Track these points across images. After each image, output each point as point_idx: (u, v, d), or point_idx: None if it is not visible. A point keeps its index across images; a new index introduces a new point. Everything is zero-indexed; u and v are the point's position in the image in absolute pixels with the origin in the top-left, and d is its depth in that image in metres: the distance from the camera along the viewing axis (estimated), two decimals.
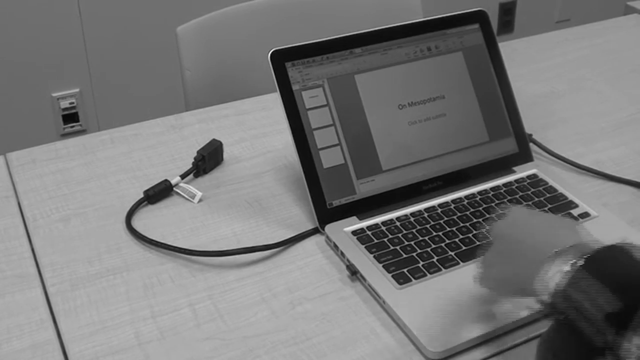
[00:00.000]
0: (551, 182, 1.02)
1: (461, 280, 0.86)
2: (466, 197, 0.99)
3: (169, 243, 0.93)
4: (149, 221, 0.97)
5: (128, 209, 0.98)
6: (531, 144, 1.09)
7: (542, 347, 0.66)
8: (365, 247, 0.90)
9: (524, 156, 1.06)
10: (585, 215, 0.96)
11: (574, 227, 0.71)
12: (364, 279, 0.86)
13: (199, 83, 1.38)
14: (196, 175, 1.04)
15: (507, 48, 1.41)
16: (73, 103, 2.27)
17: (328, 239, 0.93)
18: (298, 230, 0.95)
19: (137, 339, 0.80)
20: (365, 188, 0.96)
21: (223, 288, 0.87)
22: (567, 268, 0.64)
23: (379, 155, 0.97)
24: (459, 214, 0.96)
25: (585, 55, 1.41)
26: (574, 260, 0.64)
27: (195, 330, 0.81)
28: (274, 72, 0.94)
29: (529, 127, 1.10)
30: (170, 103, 2.18)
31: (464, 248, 0.90)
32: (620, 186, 1.04)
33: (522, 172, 1.04)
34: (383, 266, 0.87)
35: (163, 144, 1.12)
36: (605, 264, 0.63)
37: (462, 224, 0.94)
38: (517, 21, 2.96)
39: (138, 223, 0.96)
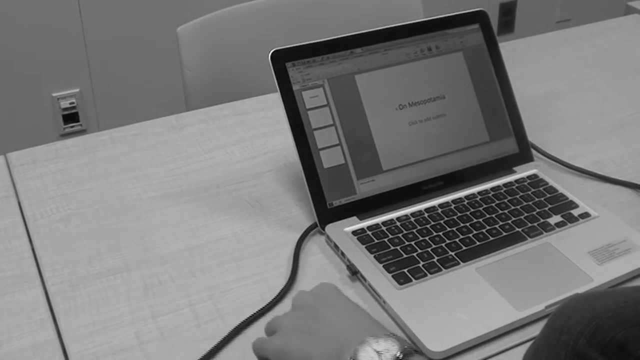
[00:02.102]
0: (551, 182, 1.02)
1: (461, 280, 0.86)
2: (466, 197, 0.99)
3: (169, 243, 0.93)
4: (149, 222, 0.97)
5: (128, 209, 0.98)
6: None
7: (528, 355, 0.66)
8: (366, 247, 0.90)
9: (525, 156, 1.06)
10: (585, 215, 0.96)
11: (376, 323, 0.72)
12: (364, 279, 0.86)
13: (200, 83, 1.38)
14: None
15: (508, 48, 1.41)
16: (73, 103, 2.27)
17: (328, 239, 0.93)
18: (298, 230, 0.95)
19: (138, 339, 0.80)
20: (366, 188, 0.96)
21: (223, 288, 0.87)
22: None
23: (379, 155, 0.97)
24: (459, 214, 0.96)
25: (585, 55, 1.41)
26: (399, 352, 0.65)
27: (196, 330, 0.81)
28: (275, 72, 0.94)
29: (529, 127, 1.10)
30: (171, 103, 2.18)
31: (464, 248, 0.90)
32: (620, 186, 1.04)
33: (522, 172, 1.04)
34: (383, 266, 0.87)
35: (163, 144, 1.13)
36: None
37: (462, 224, 0.94)
38: (517, 21, 2.96)
39: (139, 223, 0.96)
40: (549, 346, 0.63)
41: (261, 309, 0.83)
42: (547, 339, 0.64)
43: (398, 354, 0.65)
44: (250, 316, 0.82)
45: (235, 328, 0.80)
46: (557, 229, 0.94)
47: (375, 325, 0.71)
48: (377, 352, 0.65)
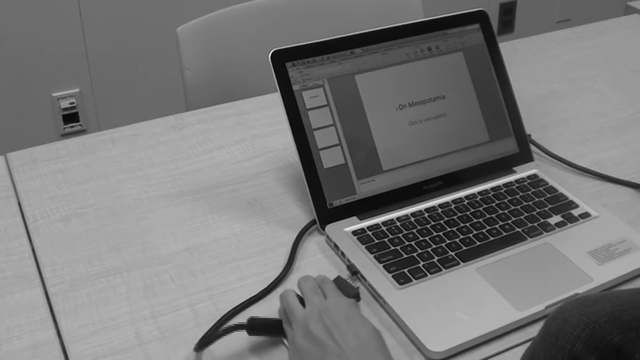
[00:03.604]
0: (551, 182, 1.02)
1: (461, 280, 0.86)
2: (466, 197, 0.99)
3: (169, 243, 0.93)
4: (149, 222, 0.97)
5: (128, 209, 0.98)
6: (530, 144, 1.09)
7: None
8: (366, 247, 0.90)
9: (525, 156, 1.06)
10: (585, 215, 0.96)
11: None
12: (365, 279, 0.86)
13: (199, 83, 1.38)
14: None
15: (508, 48, 1.41)
16: (73, 103, 2.27)
17: (328, 239, 0.93)
18: (298, 230, 0.95)
19: (138, 339, 0.80)
20: (366, 188, 0.96)
21: (223, 288, 0.87)
22: None
23: (379, 155, 0.97)
24: (459, 214, 0.96)
25: (585, 55, 1.41)
26: None
27: (196, 330, 0.81)
28: (275, 72, 0.94)
29: (529, 127, 1.10)
30: (171, 103, 2.18)
31: (464, 248, 0.90)
32: (620, 186, 1.04)
33: (522, 172, 1.04)
34: (383, 266, 0.87)
35: (163, 144, 1.13)
36: None
37: (462, 224, 0.94)
38: (517, 21, 2.96)
39: (139, 223, 0.96)
40: (546, 350, 0.63)
41: (253, 296, 0.84)
42: (544, 343, 0.64)
43: None
44: (241, 304, 0.83)
45: (227, 314, 0.82)
46: (557, 229, 0.94)
47: (379, 352, 0.71)
48: None
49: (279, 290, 0.86)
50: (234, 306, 0.83)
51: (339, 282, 0.83)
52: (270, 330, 0.78)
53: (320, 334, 0.73)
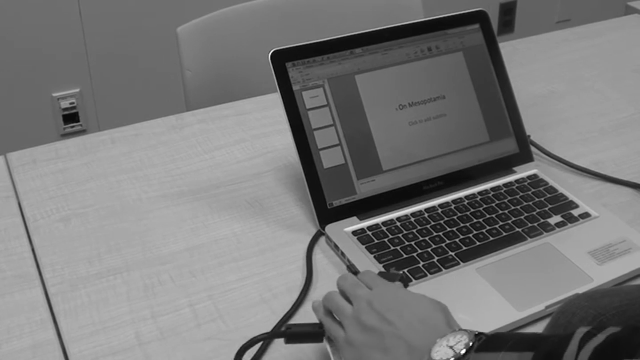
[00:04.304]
0: (551, 183, 1.02)
1: (461, 280, 0.86)
2: (466, 197, 0.99)
3: (169, 243, 0.93)
4: (149, 222, 0.97)
5: (128, 209, 0.98)
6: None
7: None
8: (366, 247, 0.90)
9: (525, 156, 1.06)
10: (585, 215, 0.96)
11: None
12: None
13: (199, 83, 1.38)
14: None
15: (508, 48, 1.41)
16: (73, 103, 2.27)
17: (328, 239, 0.93)
18: (299, 230, 0.95)
19: (138, 339, 0.80)
20: (366, 188, 0.96)
21: (223, 288, 0.87)
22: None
23: (379, 155, 0.97)
24: (459, 214, 0.96)
25: (585, 55, 1.41)
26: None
27: (196, 330, 0.81)
28: (275, 72, 0.94)
29: (528, 127, 1.10)
30: (171, 103, 2.18)
31: (464, 248, 0.90)
32: (620, 186, 1.04)
33: (522, 172, 1.04)
34: (383, 266, 0.87)
35: (163, 144, 1.13)
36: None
37: (462, 224, 0.94)
38: (517, 21, 2.96)
39: (139, 223, 0.96)
40: None
41: (285, 314, 0.82)
42: None
43: (469, 342, 0.63)
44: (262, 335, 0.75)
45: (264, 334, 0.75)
46: (557, 229, 0.94)
47: (443, 323, 0.68)
48: (450, 346, 0.64)
49: (302, 311, 0.84)
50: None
51: (382, 275, 0.77)
52: (310, 336, 0.73)
53: (374, 323, 0.68)
